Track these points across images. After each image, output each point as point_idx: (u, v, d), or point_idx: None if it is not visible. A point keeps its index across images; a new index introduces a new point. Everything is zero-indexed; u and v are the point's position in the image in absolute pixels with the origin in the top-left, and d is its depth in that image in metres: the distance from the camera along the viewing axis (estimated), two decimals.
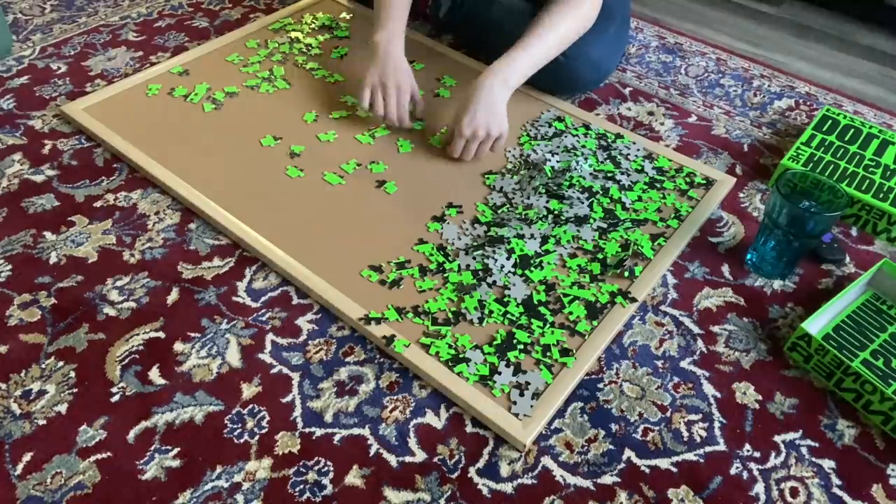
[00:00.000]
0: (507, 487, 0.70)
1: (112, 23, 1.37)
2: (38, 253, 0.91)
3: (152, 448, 0.71)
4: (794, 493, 0.71)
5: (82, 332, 0.82)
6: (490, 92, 1.00)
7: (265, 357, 0.80)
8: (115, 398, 0.76)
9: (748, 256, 0.94)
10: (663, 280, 0.92)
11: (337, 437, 0.73)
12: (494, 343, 0.81)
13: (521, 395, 0.76)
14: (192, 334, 0.82)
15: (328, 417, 0.75)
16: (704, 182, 1.05)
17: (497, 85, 1.00)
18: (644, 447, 0.74)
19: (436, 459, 0.72)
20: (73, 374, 0.78)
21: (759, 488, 0.71)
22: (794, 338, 0.81)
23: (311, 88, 1.19)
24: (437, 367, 0.78)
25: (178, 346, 0.81)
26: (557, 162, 1.04)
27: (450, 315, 0.84)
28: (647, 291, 0.89)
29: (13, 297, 0.86)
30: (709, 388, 0.80)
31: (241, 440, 0.72)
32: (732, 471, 0.72)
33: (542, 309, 0.85)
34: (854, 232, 1.01)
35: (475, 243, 0.93)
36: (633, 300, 0.87)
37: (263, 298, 0.87)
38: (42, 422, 0.73)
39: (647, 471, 0.72)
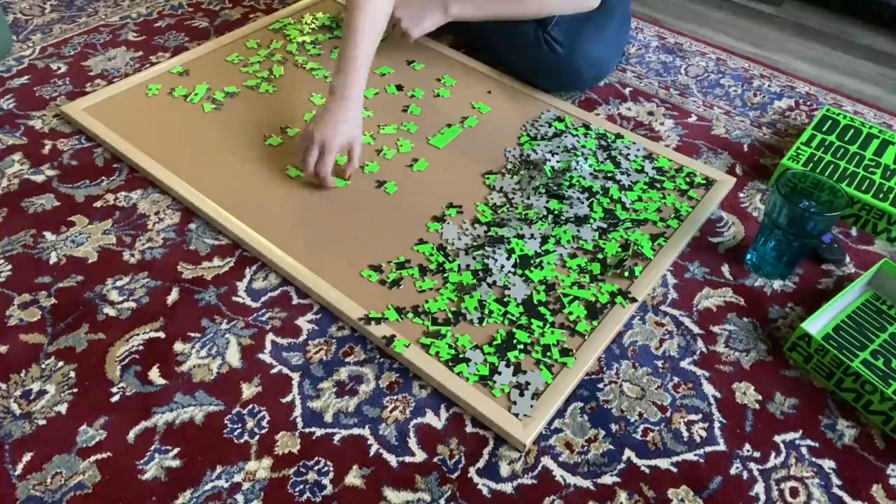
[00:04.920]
0: (507, 487, 0.70)
1: (112, 23, 1.37)
2: (38, 253, 0.91)
3: (152, 448, 0.71)
4: (794, 493, 0.71)
5: (82, 332, 0.82)
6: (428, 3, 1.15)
7: (265, 357, 0.80)
8: (115, 398, 0.76)
9: (748, 256, 0.94)
10: (663, 280, 0.92)
11: (337, 437, 0.73)
12: (494, 343, 0.81)
13: (521, 395, 0.76)
14: (192, 334, 0.82)
15: (328, 417, 0.75)
16: (704, 182, 1.05)
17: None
18: (644, 447, 0.74)
19: (436, 459, 0.72)
20: (73, 374, 0.78)
21: (759, 488, 0.71)
22: (794, 338, 0.81)
23: (311, 88, 1.19)
24: (437, 367, 0.78)
25: (178, 346, 0.81)
26: (557, 162, 1.04)
27: (450, 315, 0.84)
28: (647, 291, 0.89)
29: (13, 297, 0.86)
30: (709, 388, 0.80)
31: (241, 440, 0.72)
32: (732, 471, 0.72)
33: (542, 309, 0.85)
34: (854, 232, 1.01)
35: (475, 243, 0.93)
36: (633, 300, 0.87)
37: (263, 298, 0.87)
38: (42, 422, 0.73)
39: (647, 471, 0.72)
